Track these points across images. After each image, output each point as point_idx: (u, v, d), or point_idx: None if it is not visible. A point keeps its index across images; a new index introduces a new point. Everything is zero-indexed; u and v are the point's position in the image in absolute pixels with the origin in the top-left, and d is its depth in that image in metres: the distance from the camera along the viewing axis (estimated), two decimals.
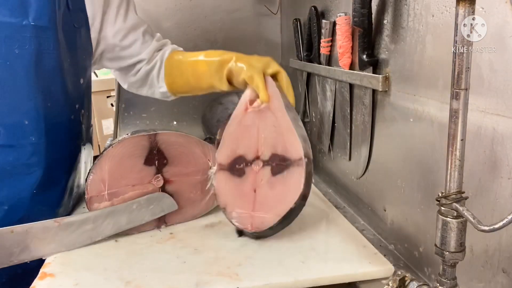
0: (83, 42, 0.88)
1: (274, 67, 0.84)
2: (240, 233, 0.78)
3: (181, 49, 1.04)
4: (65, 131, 0.86)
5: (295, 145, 0.74)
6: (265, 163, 0.79)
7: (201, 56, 0.92)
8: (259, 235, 0.76)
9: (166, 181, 0.81)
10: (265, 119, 0.80)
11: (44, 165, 0.80)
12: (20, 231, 0.69)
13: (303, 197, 0.72)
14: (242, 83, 0.84)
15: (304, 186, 0.71)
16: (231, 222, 0.78)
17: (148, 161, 0.79)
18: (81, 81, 0.90)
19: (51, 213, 0.80)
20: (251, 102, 0.82)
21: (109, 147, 0.78)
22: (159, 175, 0.80)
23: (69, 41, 0.83)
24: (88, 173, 0.77)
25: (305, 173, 0.72)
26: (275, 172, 0.77)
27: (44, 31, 0.77)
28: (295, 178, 0.73)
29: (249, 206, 0.77)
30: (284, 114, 0.77)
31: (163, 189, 0.81)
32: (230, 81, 0.88)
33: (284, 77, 0.85)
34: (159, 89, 1.00)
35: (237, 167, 0.81)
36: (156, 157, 0.80)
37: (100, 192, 0.76)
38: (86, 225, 0.74)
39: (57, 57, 0.80)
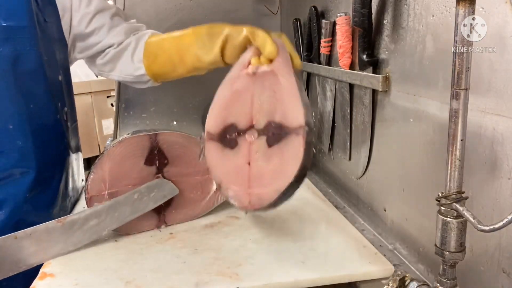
0: (56, 36, 0.86)
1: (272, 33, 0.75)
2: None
3: (158, 33, 0.96)
4: (51, 131, 0.85)
5: (296, 112, 0.65)
6: (260, 132, 0.70)
7: (187, 30, 0.84)
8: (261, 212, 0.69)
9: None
10: (263, 83, 0.71)
11: (35, 168, 0.80)
12: (23, 235, 0.68)
13: (303, 169, 0.63)
14: (240, 45, 0.75)
15: (304, 157, 0.62)
16: (229, 200, 0.69)
17: (148, 161, 0.79)
18: (60, 78, 0.87)
19: (46, 215, 0.80)
20: (250, 63, 0.73)
21: (109, 147, 0.78)
22: (160, 175, 0.80)
23: (43, 37, 0.81)
24: (89, 173, 0.77)
25: (305, 143, 0.63)
26: (271, 142, 0.68)
27: (20, 31, 0.75)
28: (294, 148, 0.64)
29: (244, 183, 0.69)
30: (291, 77, 0.68)
31: None
32: (222, 53, 0.80)
33: (286, 38, 0.75)
34: (135, 71, 0.91)
35: (228, 137, 0.72)
36: (156, 157, 0.80)
37: (100, 192, 0.76)
38: (90, 221, 0.73)
39: (35, 56, 0.78)
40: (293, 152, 0.64)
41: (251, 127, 0.71)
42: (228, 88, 0.74)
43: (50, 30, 0.84)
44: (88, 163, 1.15)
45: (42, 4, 0.81)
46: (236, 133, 0.71)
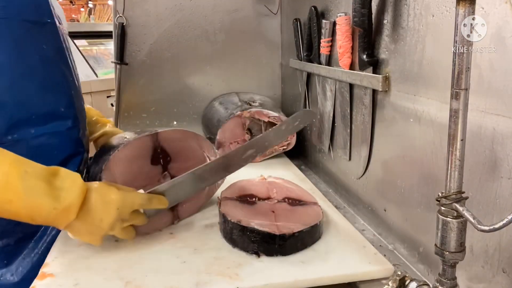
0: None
1: None
2: (257, 254, 0.71)
3: None
4: (84, 114, 0.94)
5: (309, 196, 0.85)
6: (279, 201, 0.82)
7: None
8: (284, 245, 0.70)
9: (172, 178, 0.81)
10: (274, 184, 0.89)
11: (83, 146, 0.89)
12: (200, 171, 0.75)
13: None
14: None
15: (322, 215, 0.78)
16: (252, 229, 0.71)
17: (154, 161, 0.80)
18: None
19: None
20: None
21: (114, 150, 0.77)
22: (166, 172, 0.81)
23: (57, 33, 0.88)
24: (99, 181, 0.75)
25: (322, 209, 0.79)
26: (292, 204, 0.81)
27: (43, 26, 0.81)
28: (315, 211, 0.79)
29: (270, 219, 0.75)
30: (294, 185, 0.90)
31: None
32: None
33: None
34: None
35: (248, 199, 0.82)
36: (160, 155, 0.80)
37: None
38: (248, 150, 0.78)
39: (65, 49, 0.87)
40: (315, 212, 0.78)
41: (269, 198, 0.83)
42: (244, 181, 0.91)
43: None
44: None
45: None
46: (256, 198, 0.83)
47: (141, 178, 0.79)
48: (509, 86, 0.49)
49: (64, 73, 0.85)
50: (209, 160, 0.86)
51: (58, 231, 0.80)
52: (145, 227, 0.78)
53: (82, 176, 0.77)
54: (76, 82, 0.90)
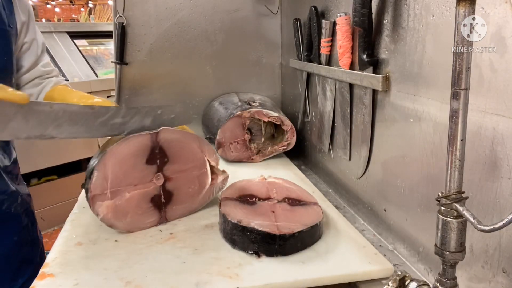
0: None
1: None
2: (258, 254, 0.71)
3: (65, 82, 1.03)
4: None
5: (309, 196, 0.85)
6: (279, 201, 0.82)
7: (89, 101, 0.93)
8: (284, 245, 0.70)
9: (166, 179, 0.81)
10: (274, 184, 0.89)
11: None
12: (58, 109, 0.69)
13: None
14: None
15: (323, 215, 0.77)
16: (252, 229, 0.71)
17: (150, 160, 0.79)
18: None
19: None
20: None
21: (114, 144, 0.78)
22: (160, 173, 0.80)
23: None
24: (91, 171, 0.76)
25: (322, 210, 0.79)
26: (292, 204, 0.81)
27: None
28: (315, 210, 0.79)
29: (270, 220, 0.75)
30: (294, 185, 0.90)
31: (163, 187, 0.81)
32: None
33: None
34: None
35: (248, 200, 0.82)
36: (157, 156, 0.80)
37: (103, 190, 0.75)
38: (116, 118, 0.75)
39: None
40: (315, 212, 0.78)
41: (269, 198, 0.83)
42: (244, 181, 0.91)
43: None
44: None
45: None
46: (256, 199, 0.83)
47: (132, 177, 0.78)
48: (509, 86, 0.49)
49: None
50: (210, 163, 0.86)
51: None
52: (128, 225, 0.79)
53: None
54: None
